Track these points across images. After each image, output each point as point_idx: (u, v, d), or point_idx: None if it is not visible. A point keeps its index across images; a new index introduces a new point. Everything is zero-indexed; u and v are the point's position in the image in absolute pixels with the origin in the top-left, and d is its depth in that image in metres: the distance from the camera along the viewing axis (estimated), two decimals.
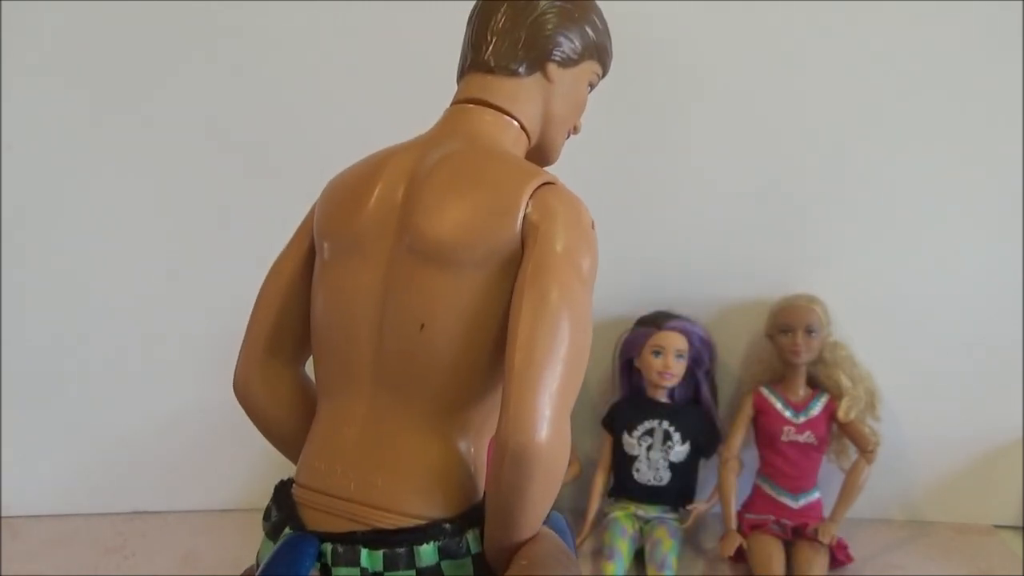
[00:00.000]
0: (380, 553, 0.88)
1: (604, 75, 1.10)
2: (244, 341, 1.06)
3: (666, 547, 1.95)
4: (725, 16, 1.99)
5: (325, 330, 0.98)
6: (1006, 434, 2.19)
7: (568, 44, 1.01)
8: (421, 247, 0.91)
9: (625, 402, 2.14)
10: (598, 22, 1.05)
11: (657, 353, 2.04)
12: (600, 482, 2.12)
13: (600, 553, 1.99)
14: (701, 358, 2.09)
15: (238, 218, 2.10)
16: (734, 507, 2.04)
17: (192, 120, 2.06)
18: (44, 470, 2.25)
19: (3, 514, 2.24)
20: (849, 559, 1.99)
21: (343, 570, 0.88)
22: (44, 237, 2.12)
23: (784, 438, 2.05)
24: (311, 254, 1.04)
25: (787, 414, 2.05)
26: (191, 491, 2.29)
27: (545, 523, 0.91)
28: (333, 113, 2.03)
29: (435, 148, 0.97)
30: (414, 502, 0.90)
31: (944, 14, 1.98)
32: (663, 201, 2.12)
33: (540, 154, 1.07)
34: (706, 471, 2.13)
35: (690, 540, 2.11)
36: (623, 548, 1.98)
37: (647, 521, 2.06)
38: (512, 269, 0.88)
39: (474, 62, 1.01)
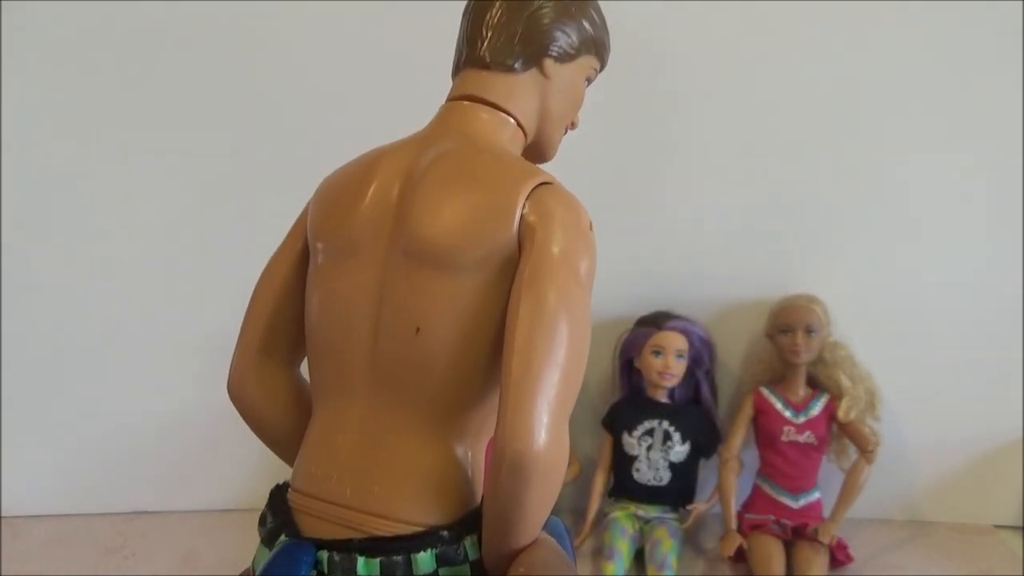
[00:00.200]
0: (377, 561, 0.87)
1: (602, 69, 1.08)
2: (238, 342, 1.05)
3: (666, 547, 1.95)
4: (726, 16, 1.99)
5: (320, 333, 0.97)
6: (1006, 434, 2.19)
7: (565, 39, 0.99)
8: (416, 249, 0.89)
9: (625, 402, 2.14)
10: (595, 16, 1.03)
11: (657, 353, 2.04)
12: (600, 482, 2.12)
13: (600, 553, 2.00)
14: (701, 358, 2.09)
15: (238, 218, 2.10)
16: (734, 507, 2.04)
17: (192, 120, 2.06)
18: (44, 470, 2.25)
19: (3, 514, 2.24)
20: (849, 559, 1.99)
21: None
22: (44, 237, 2.12)
23: (784, 438, 2.05)
24: (305, 254, 1.03)
25: (787, 414, 2.05)
26: (191, 491, 2.29)
27: (544, 528, 0.90)
28: (334, 113, 2.03)
29: (430, 147, 0.95)
30: (411, 509, 0.89)
31: (944, 15, 1.98)
32: (663, 201, 2.12)
33: (537, 151, 1.06)
34: (706, 471, 2.13)
35: (690, 540, 2.11)
36: (623, 548, 1.98)
37: (647, 521, 2.06)
38: (509, 271, 0.87)
39: (469, 58, 0.99)
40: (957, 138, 2.05)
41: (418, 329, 0.89)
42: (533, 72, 0.99)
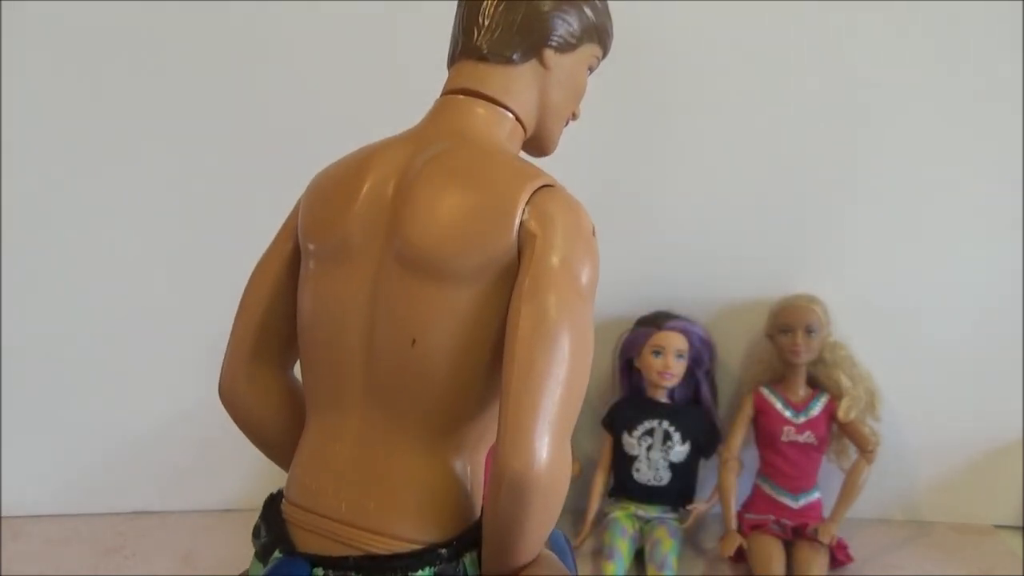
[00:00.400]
0: None
1: (605, 56, 1.03)
2: (229, 343, 1.02)
3: (666, 547, 1.95)
4: (727, 17, 1.99)
5: (313, 340, 0.93)
6: (1006, 434, 2.19)
7: (566, 28, 0.94)
8: (411, 256, 0.85)
9: (625, 402, 2.14)
10: (597, 2, 0.98)
11: (657, 353, 2.04)
12: (600, 482, 2.12)
13: (600, 553, 1.99)
14: (701, 358, 2.09)
15: (238, 218, 2.09)
16: (734, 507, 2.04)
17: (192, 120, 2.06)
18: (44, 470, 2.25)
19: (3, 514, 2.23)
20: (849, 559, 1.99)
21: None
22: (44, 237, 2.12)
23: (784, 438, 2.05)
24: (296, 252, 0.99)
25: (787, 414, 2.05)
26: (191, 491, 2.29)
27: (546, 542, 0.88)
28: (336, 114, 2.02)
29: (425, 145, 0.91)
30: (408, 525, 0.86)
31: (944, 15, 1.98)
32: (663, 201, 2.12)
33: (536, 145, 1.01)
34: (706, 471, 2.13)
35: (690, 540, 2.11)
36: (623, 548, 1.98)
37: (647, 521, 2.06)
38: (509, 280, 0.83)
39: (465, 48, 0.94)
40: (957, 139, 2.05)
41: (414, 341, 0.85)
42: (532, 63, 0.94)
